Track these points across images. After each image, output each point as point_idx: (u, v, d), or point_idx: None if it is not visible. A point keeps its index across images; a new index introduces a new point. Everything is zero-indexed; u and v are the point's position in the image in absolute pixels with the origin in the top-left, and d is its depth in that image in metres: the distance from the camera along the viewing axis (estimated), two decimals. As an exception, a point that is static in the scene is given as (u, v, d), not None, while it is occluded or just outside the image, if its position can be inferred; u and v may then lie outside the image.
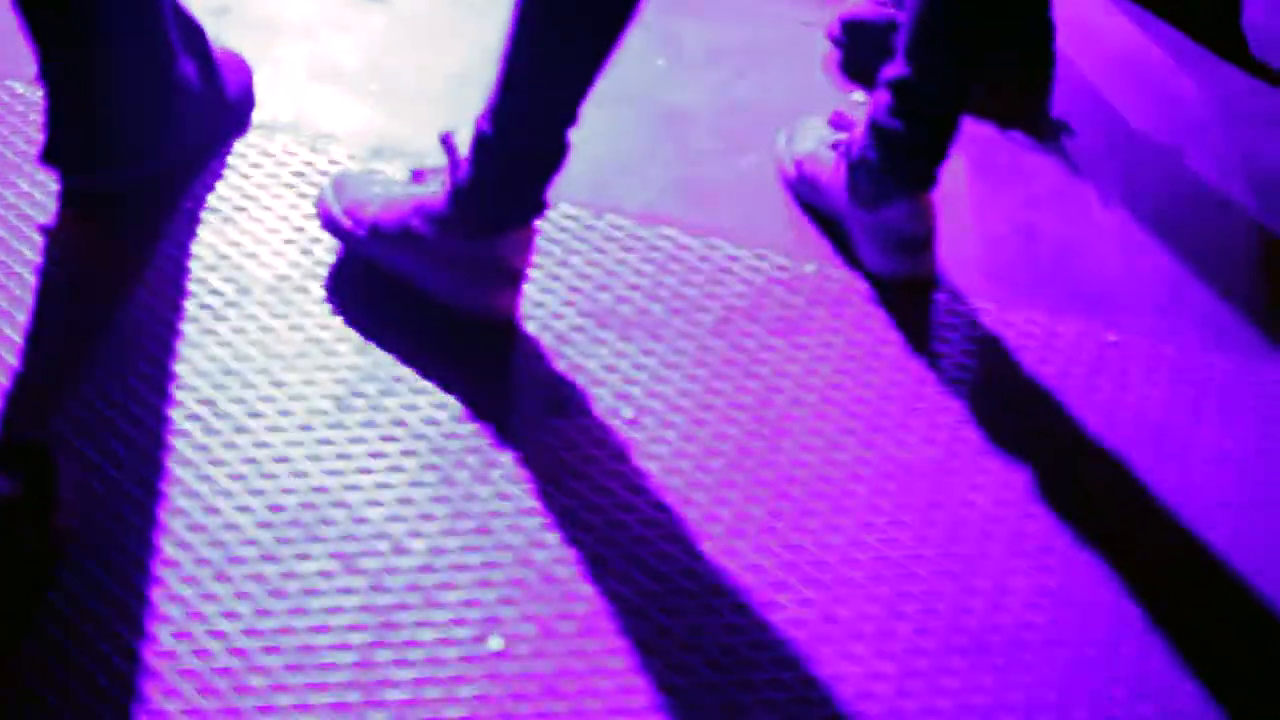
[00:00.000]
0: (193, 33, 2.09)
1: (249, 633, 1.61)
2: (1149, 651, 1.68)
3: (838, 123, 2.17)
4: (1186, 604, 1.74)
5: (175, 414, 1.80)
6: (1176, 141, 2.41)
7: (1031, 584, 1.73)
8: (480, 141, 1.87)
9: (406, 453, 1.80)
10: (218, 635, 1.60)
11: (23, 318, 1.88)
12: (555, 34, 1.81)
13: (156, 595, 1.62)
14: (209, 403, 1.82)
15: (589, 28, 1.80)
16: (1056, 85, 2.50)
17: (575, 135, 1.88)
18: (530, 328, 1.97)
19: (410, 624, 1.63)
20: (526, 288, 1.99)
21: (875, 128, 2.04)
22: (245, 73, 2.19)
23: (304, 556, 1.68)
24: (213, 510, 1.71)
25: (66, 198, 2.03)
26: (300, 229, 2.05)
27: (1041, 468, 1.86)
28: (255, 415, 1.81)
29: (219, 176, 2.11)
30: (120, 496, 1.71)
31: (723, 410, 1.89)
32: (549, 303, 2.00)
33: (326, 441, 1.80)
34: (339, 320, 1.94)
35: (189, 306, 1.93)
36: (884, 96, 2.03)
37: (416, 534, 1.72)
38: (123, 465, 1.74)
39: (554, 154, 1.88)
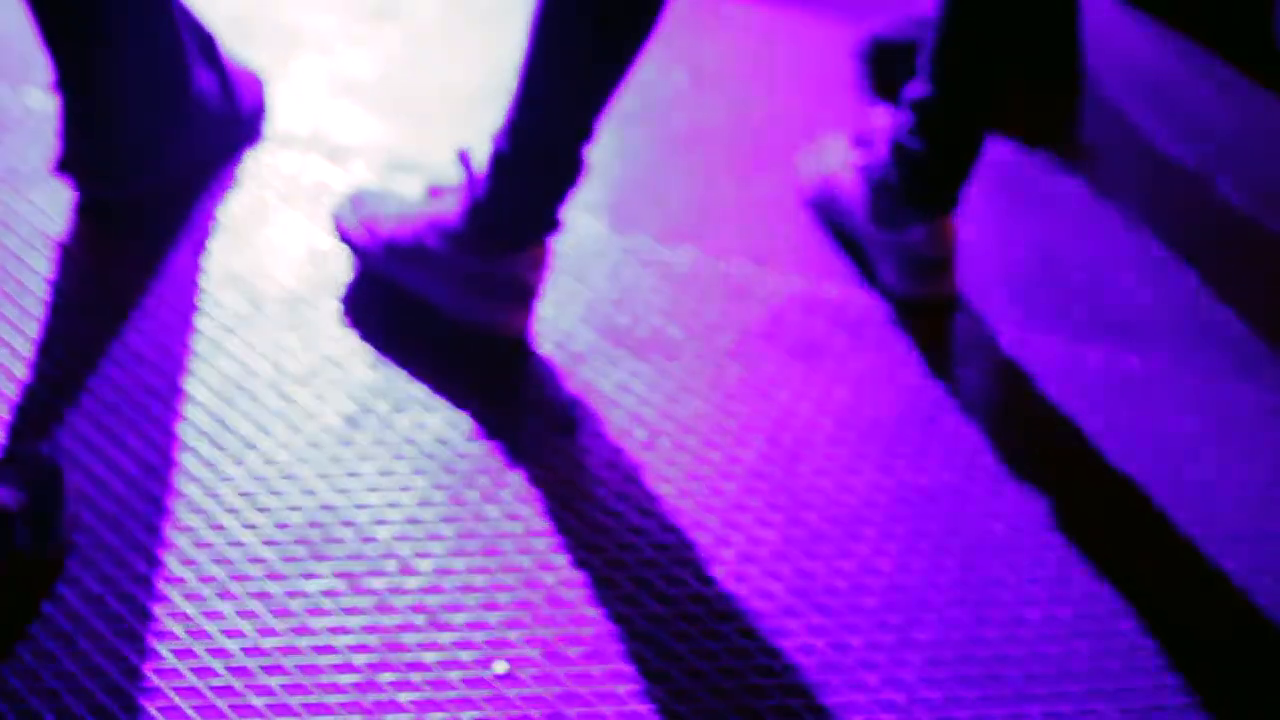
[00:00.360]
0: (207, 44, 2.08)
1: (251, 652, 1.59)
2: (1163, 686, 1.65)
3: (860, 142, 2.15)
4: (1204, 638, 1.71)
5: (183, 429, 1.79)
6: (1205, 165, 2.38)
7: (1046, 615, 1.71)
8: (497, 158, 1.86)
9: (416, 471, 1.78)
10: (220, 654, 1.58)
11: (33, 330, 1.87)
12: (572, 51, 1.80)
13: (159, 612, 1.61)
14: (218, 418, 1.81)
15: (607, 45, 1.79)
16: (1084, 107, 2.47)
17: (595, 153, 1.87)
18: (544, 347, 1.95)
19: (415, 645, 1.61)
20: (542, 306, 1.98)
21: (897, 148, 2.02)
22: (258, 86, 2.18)
23: (310, 575, 1.66)
24: (219, 527, 1.70)
25: (81, 210, 2.02)
26: (315, 244, 2.04)
27: (1060, 497, 1.84)
28: (264, 431, 1.80)
29: (234, 189, 2.09)
30: (125, 511, 1.69)
31: (737, 433, 1.87)
32: (564, 322, 1.98)
33: (336, 459, 1.78)
34: (352, 336, 1.93)
35: (200, 320, 1.91)
36: (906, 116, 2.01)
37: (424, 554, 1.70)
38: (129, 479, 1.72)
39: (571, 171, 1.86)
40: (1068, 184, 2.31)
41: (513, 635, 1.63)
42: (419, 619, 1.63)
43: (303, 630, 1.61)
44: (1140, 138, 2.42)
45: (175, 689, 1.55)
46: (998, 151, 2.31)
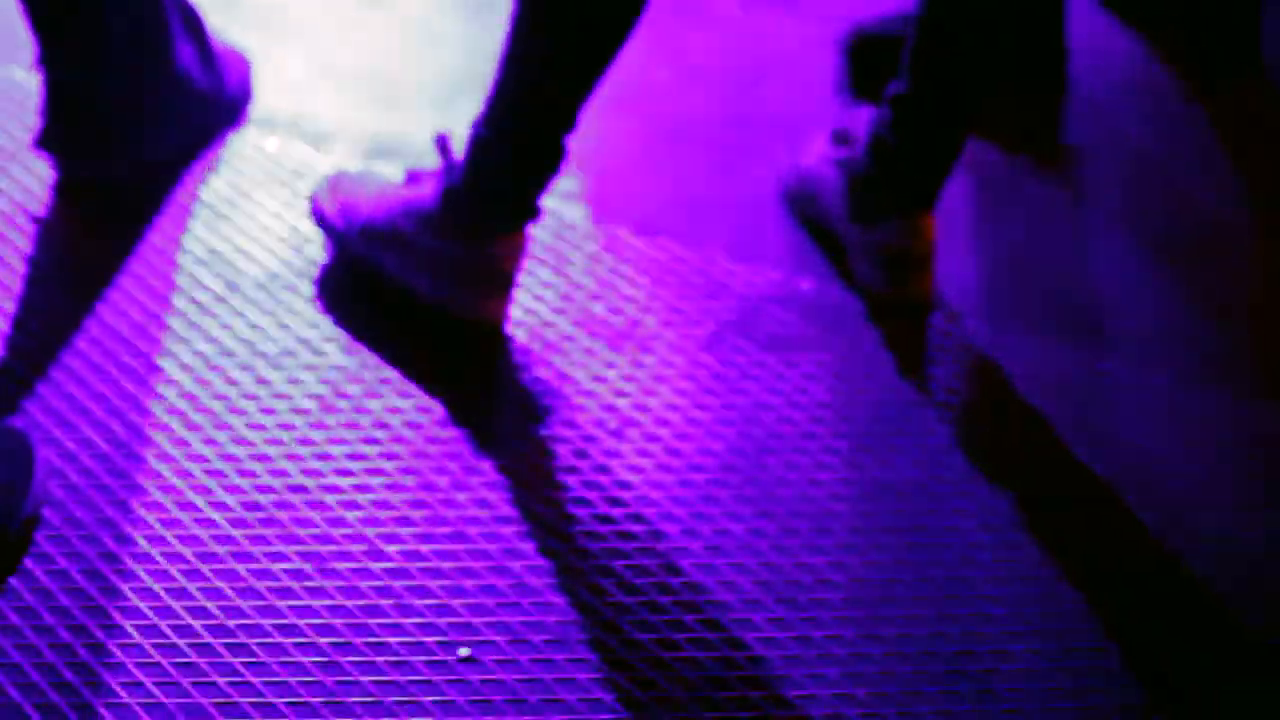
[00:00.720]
0: (193, 23, 2.08)
1: (216, 631, 1.59)
2: (1128, 686, 1.66)
3: (841, 138, 2.15)
4: (1170, 640, 1.71)
5: (156, 407, 1.79)
6: (1185, 171, 2.38)
7: (1011, 613, 1.71)
8: (476, 144, 1.86)
9: (387, 456, 1.79)
10: (185, 632, 1.59)
11: (8, 305, 1.88)
12: (553, 41, 1.80)
13: (126, 589, 1.61)
14: (191, 397, 1.81)
15: (588, 36, 1.79)
16: (1068, 111, 2.48)
17: (575, 142, 1.87)
18: (520, 335, 1.95)
19: (379, 629, 1.62)
20: (519, 294, 1.98)
21: (875, 144, 2.02)
22: (244, 67, 2.19)
23: (277, 557, 1.67)
24: (188, 506, 1.70)
25: (60, 187, 2.02)
26: (293, 227, 2.04)
27: (1027, 496, 1.84)
28: (237, 412, 1.80)
29: (214, 170, 2.10)
30: (95, 487, 1.70)
31: (709, 426, 1.88)
32: (540, 310, 1.99)
33: (307, 441, 1.79)
34: (327, 320, 1.93)
35: (176, 300, 1.92)
36: (886, 113, 2.01)
37: (392, 539, 1.70)
38: (100, 456, 1.73)
39: (551, 160, 1.87)
40: (1047, 186, 2.32)
41: (478, 621, 1.63)
42: (385, 603, 1.64)
43: (268, 611, 1.62)
44: (1123, 142, 2.43)
45: (139, 665, 1.55)
46: (980, 152, 2.31)
